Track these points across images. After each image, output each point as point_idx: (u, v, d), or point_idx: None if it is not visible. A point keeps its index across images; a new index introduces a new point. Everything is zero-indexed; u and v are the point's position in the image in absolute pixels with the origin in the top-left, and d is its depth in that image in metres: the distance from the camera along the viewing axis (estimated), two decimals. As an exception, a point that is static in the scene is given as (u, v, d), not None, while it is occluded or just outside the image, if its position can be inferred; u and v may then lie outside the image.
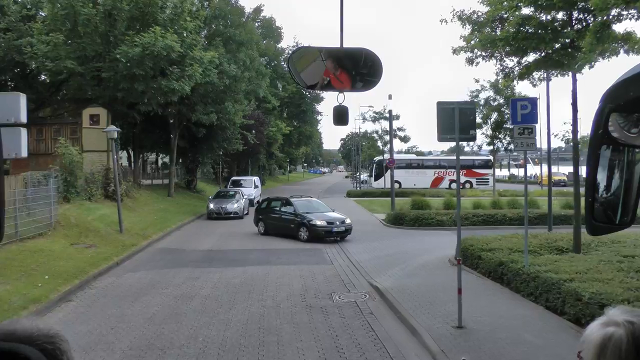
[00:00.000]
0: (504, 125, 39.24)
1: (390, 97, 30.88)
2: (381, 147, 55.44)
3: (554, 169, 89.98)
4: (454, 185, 66.46)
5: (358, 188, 63.66)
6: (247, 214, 35.08)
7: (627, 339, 1.43)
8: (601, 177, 1.83)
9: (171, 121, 40.19)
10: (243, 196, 36.38)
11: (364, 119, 54.48)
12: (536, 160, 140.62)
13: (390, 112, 31.01)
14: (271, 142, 67.98)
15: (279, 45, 71.53)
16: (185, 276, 16.51)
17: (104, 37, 29.71)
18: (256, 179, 47.66)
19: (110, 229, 23.29)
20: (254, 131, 53.10)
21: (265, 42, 65.18)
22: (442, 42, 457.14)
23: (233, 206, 34.24)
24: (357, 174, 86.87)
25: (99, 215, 24.78)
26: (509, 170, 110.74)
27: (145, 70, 28.92)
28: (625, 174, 1.83)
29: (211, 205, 34.36)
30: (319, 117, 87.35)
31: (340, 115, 4.69)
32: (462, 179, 66.10)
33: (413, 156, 71.65)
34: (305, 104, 75.93)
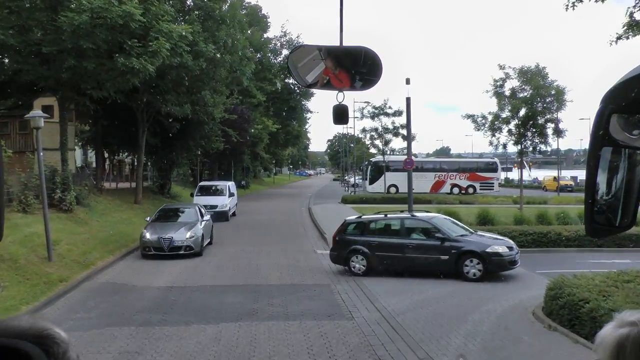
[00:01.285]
0: (536, 121, 33.02)
1: (408, 81, 24.54)
2: (381, 146, 48.92)
3: (553, 173, 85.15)
4: (455, 190, 61.01)
5: (352, 192, 57.29)
6: (210, 243, 22.79)
7: None
8: (601, 179, 1.78)
9: (138, 113, 33.68)
10: (202, 216, 22.81)
11: (362, 115, 47.84)
12: (530, 163, 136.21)
13: (408, 100, 24.65)
14: (256, 141, 61.45)
15: (266, 35, 65.07)
16: (120, 348, 10.07)
17: (47, 3, 23.22)
18: (231, 184, 36.87)
19: (35, 255, 16.73)
20: (239, 129, 46.69)
21: (250, 31, 58.74)
22: (444, 41, 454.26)
23: (183, 236, 20.32)
24: (348, 176, 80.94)
25: (25, 235, 18.18)
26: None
27: (97, 43, 22.48)
28: (625, 176, 1.81)
29: (147, 235, 20.50)
30: (308, 115, 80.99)
31: (340, 114, 4.52)
32: (465, 183, 61.04)
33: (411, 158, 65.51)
34: (293, 99, 69.36)
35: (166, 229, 20.81)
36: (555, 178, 74.70)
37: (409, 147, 25.74)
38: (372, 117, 47.51)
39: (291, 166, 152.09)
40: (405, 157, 58.63)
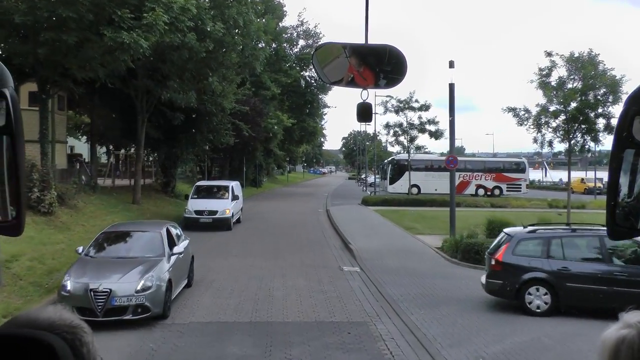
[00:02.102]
0: (587, 116, 28.66)
1: (452, 64, 20.48)
2: (406, 143, 44.50)
3: (577, 174, 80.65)
4: (480, 191, 57.09)
5: (372, 193, 53.12)
6: (188, 285, 14.35)
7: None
8: (624, 181, 1.70)
9: (137, 101, 29.84)
10: (174, 245, 13.40)
11: (386, 109, 43.53)
12: (551, 164, 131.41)
13: (451, 87, 20.53)
14: (270, 136, 57.46)
15: (282, 24, 60.91)
16: None
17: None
18: (235, 184, 29.78)
19: (-20, 275, 12.88)
20: (251, 123, 42.72)
21: (265, 18, 54.84)
22: (464, 41, 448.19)
23: (131, 286, 11.22)
24: (366, 175, 76.82)
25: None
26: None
27: (80, 13, 18.66)
28: None
29: (68, 284, 11.18)
30: (325, 111, 76.69)
31: (365, 112, 4.63)
32: (491, 184, 57.28)
33: (434, 156, 61.76)
34: (310, 93, 65.09)
35: (104, 272, 11.69)
36: (582, 179, 70.67)
37: (452, 141, 21.54)
38: (397, 112, 43.31)
39: (305, 164, 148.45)
40: (425, 156, 54.80)
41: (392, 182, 55.30)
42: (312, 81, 63.27)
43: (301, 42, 64.17)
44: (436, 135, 42.71)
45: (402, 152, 45.79)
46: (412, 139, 43.41)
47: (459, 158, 66.99)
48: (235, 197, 28.05)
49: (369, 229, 26.56)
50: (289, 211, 36.95)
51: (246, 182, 57.14)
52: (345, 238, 22.99)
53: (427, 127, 42.85)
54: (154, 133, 32.95)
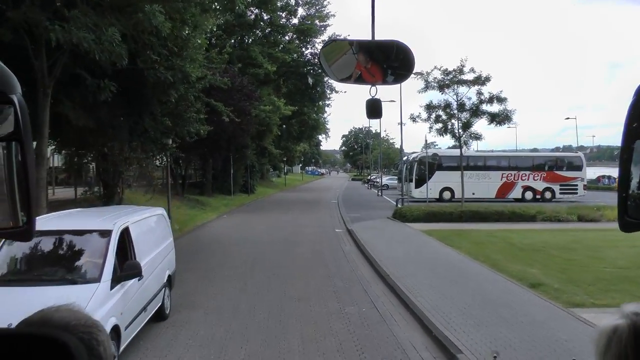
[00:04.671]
0: None
1: None
2: (457, 130, 30.71)
3: (600, 171, 68.96)
4: (528, 195, 46.22)
5: (399, 202, 39.22)
6: None
7: (629, 330, 1.41)
8: (635, 172, 1.66)
9: (38, 61, 17.01)
10: None
11: (427, 84, 30.09)
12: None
13: None
14: (263, 129, 44.67)
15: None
16: None
17: None
18: (157, 217, 11.62)
19: None
20: (236, 108, 30.01)
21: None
22: (468, 33, 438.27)
23: None
24: (381, 175, 65.46)
25: None
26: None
27: None
28: None
29: None
30: (331, 97, 63.93)
31: (374, 109, 4.51)
32: (541, 184, 47.04)
33: (471, 152, 49.43)
34: (312, 74, 52.08)
35: None
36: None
37: None
38: (441, 88, 30.25)
39: (302, 164, 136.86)
40: (458, 152, 41.05)
41: (418, 185, 44.29)
42: (317, 59, 50.86)
43: (301, 11, 51.50)
44: (500, 118, 29.66)
45: (455, 142, 32.61)
46: (465, 125, 30.25)
47: (502, 153, 54.68)
48: (131, 272, 8.48)
49: (460, 286, 13.45)
50: (291, 237, 23.91)
51: (235, 188, 44.53)
52: (439, 330, 10.02)
53: (486, 107, 29.78)
54: (74, 116, 20.18)
